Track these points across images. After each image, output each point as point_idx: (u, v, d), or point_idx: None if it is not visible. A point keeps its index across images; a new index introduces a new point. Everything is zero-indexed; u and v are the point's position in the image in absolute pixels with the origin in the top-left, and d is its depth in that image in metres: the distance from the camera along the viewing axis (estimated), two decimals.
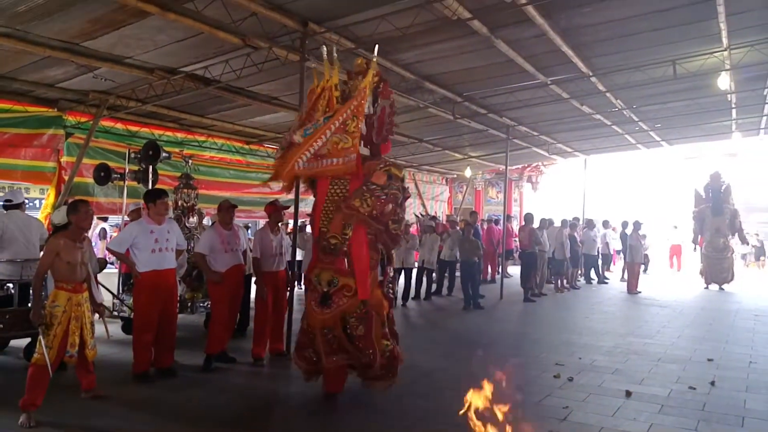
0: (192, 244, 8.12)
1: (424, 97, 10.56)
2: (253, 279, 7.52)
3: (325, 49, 5.85)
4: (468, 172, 19.74)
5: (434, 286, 13.21)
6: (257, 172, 13.51)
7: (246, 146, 13.63)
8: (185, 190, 8.81)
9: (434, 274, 13.21)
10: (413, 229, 15.81)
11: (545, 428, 4.83)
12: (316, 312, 5.36)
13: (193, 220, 8.81)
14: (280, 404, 5.83)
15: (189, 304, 8.40)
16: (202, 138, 12.62)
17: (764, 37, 8.69)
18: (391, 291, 6.26)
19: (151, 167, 8.97)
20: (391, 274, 6.23)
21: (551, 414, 5.26)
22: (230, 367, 6.74)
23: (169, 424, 4.95)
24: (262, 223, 13.48)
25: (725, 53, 9.15)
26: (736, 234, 15.92)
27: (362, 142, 5.43)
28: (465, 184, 22.91)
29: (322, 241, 5.38)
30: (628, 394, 5.85)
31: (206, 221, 9.64)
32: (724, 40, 8.58)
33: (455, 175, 22.25)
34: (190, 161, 9.89)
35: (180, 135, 12.17)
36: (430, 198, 21.13)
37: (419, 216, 16.86)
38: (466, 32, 7.57)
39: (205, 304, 8.42)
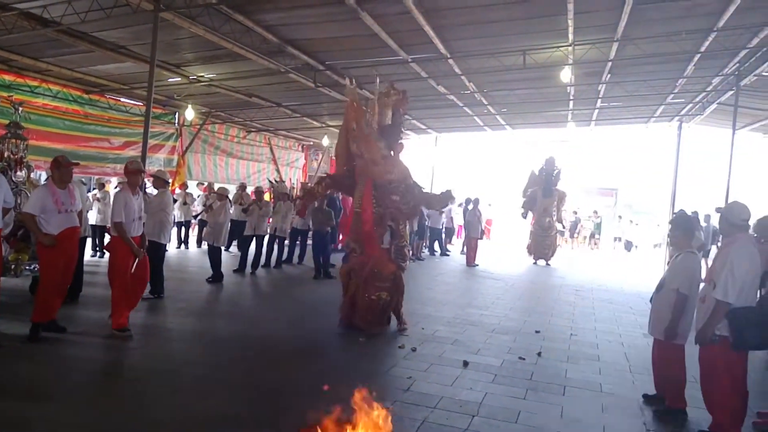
0: (20, 201, 7.22)
1: (285, 62, 10.26)
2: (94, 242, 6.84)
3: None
4: (325, 141, 19.66)
5: (285, 254, 13.06)
6: (96, 125, 12.33)
7: (85, 96, 12.39)
8: (13, 141, 7.85)
9: (286, 242, 13.06)
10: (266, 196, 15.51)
11: (390, 399, 4.98)
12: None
13: (21, 174, 7.84)
14: (110, 376, 5.45)
15: (13, 266, 7.50)
16: (35, 83, 11.35)
17: (605, 36, 9.57)
18: (401, 258, 7.54)
19: None
20: (402, 244, 7.56)
21: (397, 384, 5.44)
22: (60, 337, 6.18)
23: None
24: (95, 180, 12.43)
25: (570, 48, 9.92)
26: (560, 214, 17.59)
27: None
28: (321, 152, 22.77)
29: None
30: (466, 364, 6.22)
31: (35, 175, 8.61)
32: (570, 36, 9.30)
33: (312, 143, 22.04)
34: (21, 108, 8.75)
35: (9, 78, 10.85)
36: (285, 164, 20.79)
37: (273, 182, 16.49)
38: (334, 0, 7.41)
39: (32, 267, 7.60)
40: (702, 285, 4.79)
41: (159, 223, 8.14)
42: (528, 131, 22.03)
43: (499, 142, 27.73)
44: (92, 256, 11.95)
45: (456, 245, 19.76)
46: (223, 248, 10.69)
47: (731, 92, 12.64)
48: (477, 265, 15.19)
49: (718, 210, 5.10)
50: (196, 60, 10.64)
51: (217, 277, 10.18)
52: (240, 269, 11.39)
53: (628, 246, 24.01)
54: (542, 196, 16.81)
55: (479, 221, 16.17)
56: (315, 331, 7.35)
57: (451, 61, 10.46)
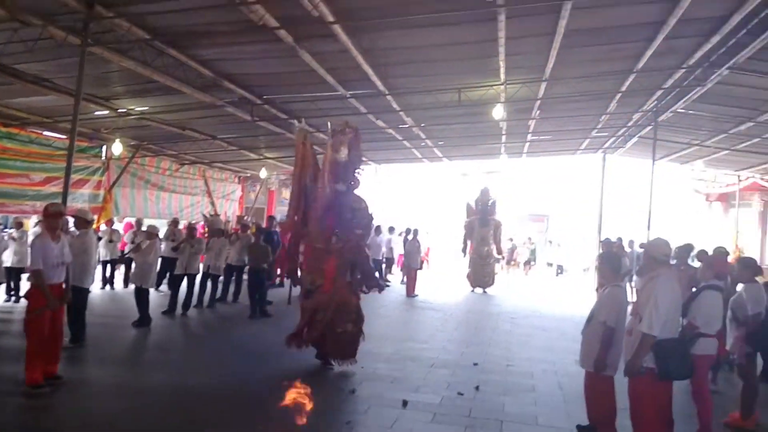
0: None
1: (221, 95, 10.13)
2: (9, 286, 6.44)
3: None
4: (263, 173, 19.42)
5: (219, 293, 12.61)
6: (15, 160, 11.69)
7: (3, 129, 11.71)
8: None
9: (221, 278, 12.65)
10: (199, 232, 15.09)
11: None
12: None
13: None
14: None
15: None
16: None
17: (534, 76, 10.02)
18: (360, 290, 7.87)
19: None
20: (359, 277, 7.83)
21: (334, 430, 5.34)
22: None
23: None
24: (12, 219, 11.58)
25: (502, 87, 10.31)
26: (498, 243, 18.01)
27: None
28: (258, 184, 22.46)
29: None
30: (405, 403, 6.14)
31: None
32: (502, 76, 9.69)
33: (249, 174, 21.72)
34: None
35: None
36: (220, 197, 20.32)
37: (207, 216, 16.08)
38: (271, 38, 7.43)
39: None
40: (629, 318, 4.99)
41: (81, 266, 7.62)
42: (464, 162, 22.58)
43: (436, 173, 28.30)
44: (6, 301, 11.07)
45: (396, 275, 19.83)
46: (152, 289, 10.14)
47: (650, 127, 13.43)
48: (417, 295, 15.25)
49: (641, 246, 5.38)
50: (126, 93, 10.35)
51: (144, 320, 9.62)
52: (170, 310, 10.81)
53: (560, 270, 24.68)
54: (479, 225, 17.17)
55: (419, 251, 16.30)
56: (249, 377, 7.06)
57: (389, 97, 10.65)
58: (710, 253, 7.89)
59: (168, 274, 12.47)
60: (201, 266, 11.75)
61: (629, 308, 5.05)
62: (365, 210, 7.69)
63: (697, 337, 5.19)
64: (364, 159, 17.76)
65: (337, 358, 7.55)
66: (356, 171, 7.75)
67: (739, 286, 6.32)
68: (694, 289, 6.02)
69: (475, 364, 8.10)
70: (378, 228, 17.93)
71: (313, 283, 7.55)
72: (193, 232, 11.63)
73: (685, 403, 5.71)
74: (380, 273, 17.55)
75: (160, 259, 10.85)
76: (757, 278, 6.26)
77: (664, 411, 4.65)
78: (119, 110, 11.49)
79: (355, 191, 7.73)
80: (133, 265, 10.59)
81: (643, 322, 4.53)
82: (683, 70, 9.90)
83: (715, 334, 5.32)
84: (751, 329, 5.87)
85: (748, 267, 6.25)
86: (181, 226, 14.52)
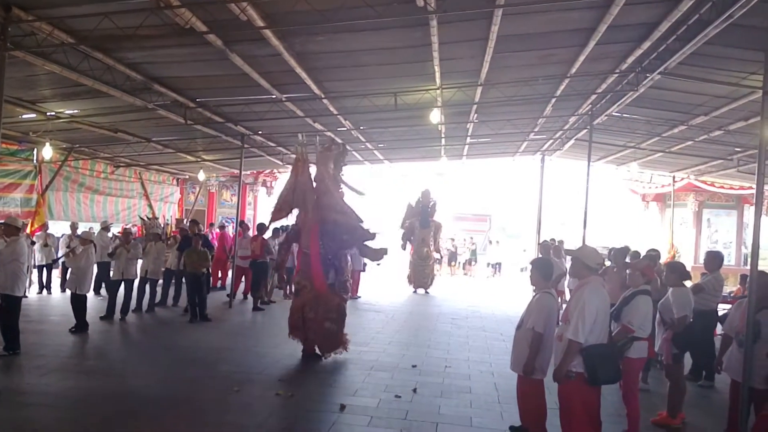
0: None
1: (153, 99, 9.85)
2: None
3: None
4: (201, 176, 19.01)
5: (158, 297, 12.32)
6: None
7: None
8: None
9: (160, 281, 12.35)
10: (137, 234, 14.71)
11: None
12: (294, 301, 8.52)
13: None
14: None
15: None
16: None
17: (469, 81, 10.16)
18: (344, 291, 8.75)
19: None
20: (345, 279, 8.79)
21: None
22: None
23: None
24: None
25: (438, 91, 10.41)
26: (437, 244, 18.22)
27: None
28: (198, 186, 22.00)
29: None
30: (342, 407, 6.17)
31: None
32: (438, 80, 9.76)
33: (187, 176, 21.23)
34: None
35: None
36: (158, 199, 19.78)
37: (145, 219, 15.64)
38: (200, 42, 7.28)
39: None
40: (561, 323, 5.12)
41: (12, 274, 7.52)
42: (406, 164, 22.74)
43: (378, 175, 28.37)
44: None
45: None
46: (89, 294, 9.86)
47: (585, 130, 13.82)
48: (359, 297, 15.24)
49: (568, 252, 5.53)
50: (54, 96, 9.93)
51: (81, 326, 9.41)
52: (108, 316, 10.58)
53: (497, 269, 25.09)
54: (420, 227, 17.31)
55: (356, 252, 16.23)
56: (188, 383, 6.96)
57: (325, 100, 10.59)
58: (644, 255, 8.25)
59: (106, 279, 12.12)
60: (138, 271, 11.45)
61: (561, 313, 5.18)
62: (351, 217, 8.51)
63: (632, 341, 5.33)
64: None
65: (325, 351, 8.43)
66: (341, 183, 8.81)
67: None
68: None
69: (414, 367, 8.18)
70: None
71: (299, 284, 8.56)
72: (128, 237, 11.32)
73: (614, 403, 5.92)
74: None
75: (94, 266, 10.51)
76: (685, 282, 6.52)
77: (593, 413, 4.75)
78: (48, 113, 11.02)
79: (342, 200, 8.63)
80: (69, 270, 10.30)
81: (569, 329, 4.66)
82: (616, 75, 10.20)
83: (647, 338, 5.48)
84: (677, 331, 6.09)
85: (675, 271, 6.51)
86: (116, 230, 14.12)
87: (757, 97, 5.89)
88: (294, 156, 8.68)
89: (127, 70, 8.41)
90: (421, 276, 17.24)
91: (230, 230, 18.19)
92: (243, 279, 14.04)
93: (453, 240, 25.99)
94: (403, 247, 17.65)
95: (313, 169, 8.68)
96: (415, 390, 6.97)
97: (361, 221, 8.68)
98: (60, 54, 7.40)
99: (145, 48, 7.56)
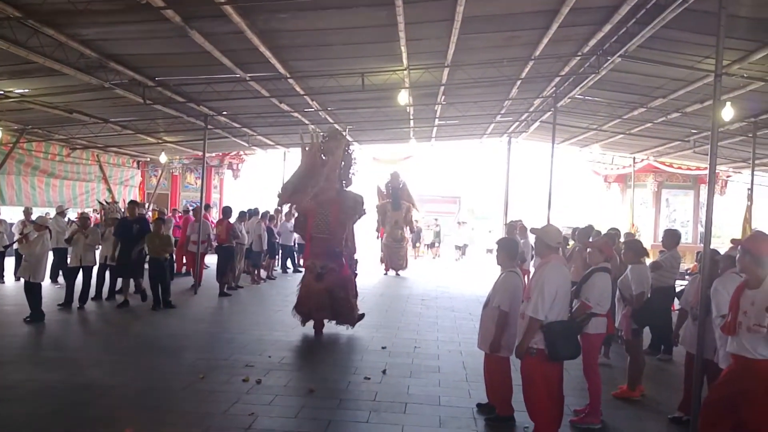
0: None
1: (109, 77, 9.48)
2: None
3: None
4: (163, 158, 18.52)
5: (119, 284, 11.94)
6: None
7: None
8: None
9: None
10: (95, 219, 14.30)
11: None
12: (313, 284, 8.80)
13: None
14: None
15: None
16: None
17: (436, 62, 10.08)
18: (354, 267, 9.60)
19: None
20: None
21: (236, 424, 5.21)
22: None
23: None
24: None
25: (405, 72, 10.31)
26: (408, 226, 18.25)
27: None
28: (160, 168, 21.45)
29: (325, 244, 8.90)
30: (311, 391, 6.13)
31: None
32: (405, 61, 9.67)
33: (149, 159, 20.70)
34: None
35: None
36: (118, 183, 19.24)
37: (104, 204, 15.18)
38: (158, 18, 6.98)
39: None
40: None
41: None
42: (376, 147, 22.60)
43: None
44: None
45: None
46: (45, 282, 9.52)
47: (550, 112, 13.95)
48: None
49: (533, 231, 5.57)
50: (2, 74, 9.47)
51: (36, 316, 9.07)
52: (66, 304, 10.22)
53: (462, 251, 25.20)
54: (391, 209, 17.31)
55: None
56: (151, 372, 6.77)
57: (291, 80, 10.38)
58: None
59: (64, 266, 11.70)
60: (97, 258, 11.12)
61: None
62: (360, 203, 9.30)
63: (590, 317, 5.41)
64: (270, 142, 17.91)
65: (351, 323, 9.03)
66: (350, 171, 9.45)
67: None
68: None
69: (384, 348, 8.20)
70: (290, 214, 17.63)
71: (323, 267, 8.80)
72: (86, 222, 10.96)
73: (577, 378, 6.02)
74: (293, 259, 17.35)
75: (49, 253, 10.15)
76: (642, 259, 6.68)
77: (555, 388, 4.88)
78: None
79: (350, 188, 9.43)
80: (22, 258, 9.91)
81: (529, 306, 4.74)
82: (578, 58, 10.27)
83: (605, 314, 5.56)
84: (636, 307, 6.25)
85: (632, 249, 6.70)
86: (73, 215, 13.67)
87: (710, 81, 5.99)
88: (305, 144, 9.31)
89: (81, 47, 8.05)
90: (396, 258, 17.29)
91: (213, 213, 17.92)
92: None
93: (417, 222, 25.95)
94: (378, 230, 17.64)
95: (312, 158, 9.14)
96: (384, 371, 6.98)
97: (359, 199, 9.35)
98: (6, 29, 7.02)
99: (99, 24, 7.23)
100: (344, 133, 9.28)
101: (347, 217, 9.15)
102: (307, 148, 9.25)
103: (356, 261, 9.74)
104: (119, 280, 11.28)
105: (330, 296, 8.79)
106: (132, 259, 10.62)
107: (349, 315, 8.99)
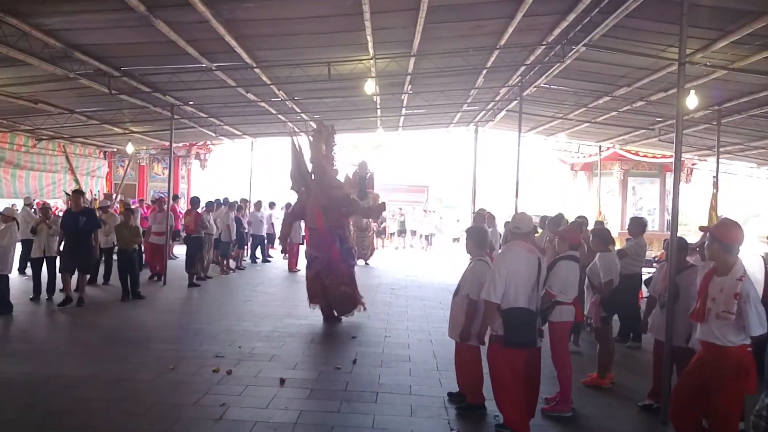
0: None
1: (74, 67, 9.29)
2: None
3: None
4: (130, 148, 18.19)
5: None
6: None
7: None
8: None
9: None
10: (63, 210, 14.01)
11: None
12: (307, 272, 9.39)
13: None
14: None
15: None
16: None
17: (402, 51, 10.11)
18: (350, 258, 9.92)
19: None
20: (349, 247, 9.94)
21: (207, 415, 5.22)
22: None
23: None
24: None
25: (371, 62, 10.32)
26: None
27: None
28: (127, 159, 21.09)
29: (315, 235, 9.46)
30: (282, 381, 6.14)
31: None
32: (371, 50, 9.68)
33: (116, 149, 20.31)
34: None
35: None
36: (84, 173, 18.85)
37: (70, 194, 14.86)
38: (122, 7, 6.85)
39: None
40: None
41: None
42: (345, 136, 22.52)
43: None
44: None
45: (278, 250, 19.54)
46: (11, 274, 9.35)
47: (516, 101, 14.08)
48: (298, 270, 15.15)
49: (507, 223, 5.65)
50: None
51: (4, 308, 8.97)
52: (36, 296, 10.15)
53: (428, 240, 25.25)
54: (358, 198, 17.26)
55: (300, 226, 16.12)
56: (120, 363, 6.72)
57: (257, 70, 10.31)
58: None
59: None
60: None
61: None
62: (345, 192, 9.72)
63: (554, 306, 5.42)
64: (238, 132, 17.76)
65: (343, 313, 9.36)
66: (334, 162, 9.81)
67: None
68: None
69: (354, 338, 8.25)
70: (258, 203, 17.58)
71: (311, 255, 9.36)
72: (47, 212, 10.72)
73: (547, 366, 6.15)
74: (263, 249, 17.30)
75: (17, 244, 9.98)
76: (611, 247, 6.74)
77: (520, 374, 4.87)
78: None
79: (336, 177, 9.86)
80: None
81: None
82: (543, 47, 10.37)
83: (571, 302, 5.58)
84: (604, 295, 6.33)
85: (599, 237, 6.77)
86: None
87: (674, 69, 6.12)
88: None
89: (45, 37, 7.87)
90: (361, 247, 17.29)
91: (181, 204, 17.72)
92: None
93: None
94: None
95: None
96: (354, 361, 7.01)
97: (350, 199, 9.83)
98: None
99: (63, 13, 7.08)
100: (326, 125, 9.85)
101: (334, 209, 9.38)
102: (311, 139, 9.64)
103: (353, 253, 10.17)
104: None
105: (321, 283, 9.18)
106: (83, 255, 10.01)
107: (342, 304, 9.31)
